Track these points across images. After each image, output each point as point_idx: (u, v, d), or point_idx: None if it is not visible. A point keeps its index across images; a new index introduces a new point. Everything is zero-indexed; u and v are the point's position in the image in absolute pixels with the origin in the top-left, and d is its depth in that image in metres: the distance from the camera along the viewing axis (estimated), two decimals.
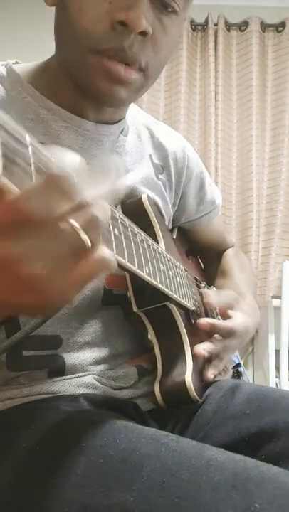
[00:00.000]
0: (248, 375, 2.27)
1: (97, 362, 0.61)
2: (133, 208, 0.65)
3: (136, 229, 0.52)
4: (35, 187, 0.28)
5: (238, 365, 2.01)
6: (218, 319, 0.76)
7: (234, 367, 1.97)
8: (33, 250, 0.29)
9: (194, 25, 2.50)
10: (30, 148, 0.30)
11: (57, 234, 0.30)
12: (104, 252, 0.33)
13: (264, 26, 2.48)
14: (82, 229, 0.31)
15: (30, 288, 0.30)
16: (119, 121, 0.67)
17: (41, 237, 0.29)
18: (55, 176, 0.29)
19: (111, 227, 0.43)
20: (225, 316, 0.71)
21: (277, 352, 2.04)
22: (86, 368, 0.60)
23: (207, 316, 0.76)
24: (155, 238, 0.65)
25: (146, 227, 0.64)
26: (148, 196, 0.66)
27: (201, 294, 0.75)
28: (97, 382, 0.59)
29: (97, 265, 0.32)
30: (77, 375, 0.59)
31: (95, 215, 0.32)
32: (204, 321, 0.64)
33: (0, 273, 0.30)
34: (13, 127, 0.29)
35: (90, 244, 0.32)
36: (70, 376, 0.59)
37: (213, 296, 0.69)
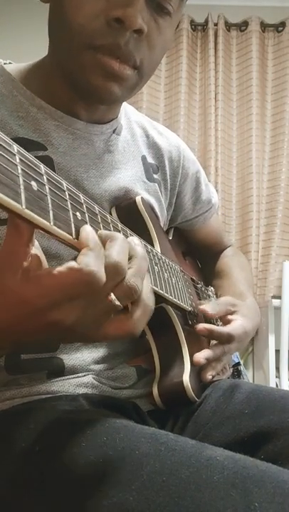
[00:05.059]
0: (248, 375, 2.27)
1: (96, 362, 0.61)
2: (127, 211, 0.65)
3: (128, 232, 0.52)
4: (100, 262, 0.35)
5: (238, 363, 2.01)
6: (216, 320, 0.76)
7: (234, 366, 1.97)
8: (81, 314, 0.36)
9: (194, 25, 2.50)
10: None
11: (102, 302, 0.37)
12: (134, 320, 0.40)
13: (264, 26, 2.48)
14: (118, 298, 0.38)
15: (68, 336, 0.39)
16: (112, 120, 0.67)
17: (90, 305, 0.36)
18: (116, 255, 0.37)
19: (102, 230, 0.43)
20: (224, 320, 0.71)
21: (277, 352, 2.04)
22: (85, 368, 0.60)
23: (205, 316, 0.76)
24: (150, 240, 0.65)
25: (141, 229, 0.64)
26: (142, 198, 0.66)
27: (197, 298, 0.75)
28: (96, 382, 0.59)
29: (123, 329, 0.40)
30: (76, 375, 0.59)
31: (134, 287, 0.39)
32: (202, 326, 0.64)
33: (47, 327, 0.36)
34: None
35: (121, 307, 0.39)
36: (70, 376, 0.59)
37: (211, 307, 0.68)
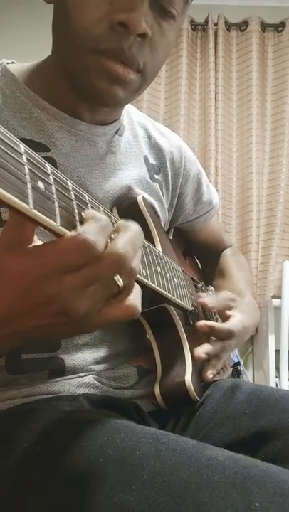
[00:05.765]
0: (248, 375, 2.27)
1: (97, 362, 0.61)
2: (129, 210, 0.65)
3: None
4: (95, 232, 0.33)
5: (238, 363, 2.01)
6: (216, 318, 0.76)
7: (233, 365, 1.97)
8: (79, 292, 0.34)
9: (194, 25, 2.50)
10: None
11: (102, 278, 0.35)
12: (133, 301, 0.39)
13: (264, 26, 2.48)
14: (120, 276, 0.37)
15: (68, 321, 0.36)
16: (114, 121, 0.68)
17: (91, 280, 0.35)
18: (107, 225, 0.35)
19: None
20: (223, 317, 0.71)
21: (277, 352, 2.04)
22: (86, 368, 0.60)
23: (205, 316, 0.76)
24: (151, 240, 0.65)
25: (143, 229, 0.64)
26: (143, 198, 0.67)
27: (198, 297, 0.75)
28: (97, 382, 0.59)
29: (124, 311, 0.38)
30: (77, 375, 0.59)
31: (132, 265, 0.37)
32: (202, 323, 0.64)
33: (47, 306, 0.35)
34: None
35: (122, 286, 0.38)
36: (71, 376, 0.59)
37: (210, 299, 0.69)
